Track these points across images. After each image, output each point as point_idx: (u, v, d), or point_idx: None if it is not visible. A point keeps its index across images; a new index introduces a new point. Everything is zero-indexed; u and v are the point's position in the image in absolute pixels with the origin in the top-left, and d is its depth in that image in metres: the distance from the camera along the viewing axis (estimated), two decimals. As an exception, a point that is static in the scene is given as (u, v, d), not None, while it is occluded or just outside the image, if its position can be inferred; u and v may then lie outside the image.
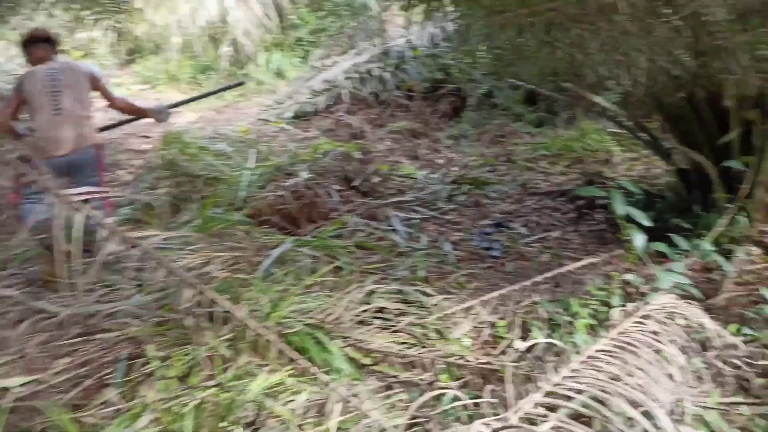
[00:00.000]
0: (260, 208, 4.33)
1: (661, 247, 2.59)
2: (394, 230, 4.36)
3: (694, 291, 2.50)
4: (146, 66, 14.01)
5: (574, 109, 6.01)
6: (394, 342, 2.62)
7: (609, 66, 2.68)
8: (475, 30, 3.28)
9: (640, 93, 2.97)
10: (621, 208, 2.49)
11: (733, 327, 2.35)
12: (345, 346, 2.52)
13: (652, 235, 3.83)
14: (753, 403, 2.08)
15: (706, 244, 2.78)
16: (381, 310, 2.88)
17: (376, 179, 5.35)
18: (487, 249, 3.99)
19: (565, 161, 5.85)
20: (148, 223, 4.59)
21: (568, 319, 2.49)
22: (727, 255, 3.10)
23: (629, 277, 2.63)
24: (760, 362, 2.18)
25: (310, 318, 2.62)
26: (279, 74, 13.08)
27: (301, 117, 7.92)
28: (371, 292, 3.02)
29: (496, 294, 2.93)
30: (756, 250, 3.12)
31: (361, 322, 2.76)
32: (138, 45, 14.44)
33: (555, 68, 2.96)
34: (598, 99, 3.80)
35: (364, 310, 2.81)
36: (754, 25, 2.69)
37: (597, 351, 1.87)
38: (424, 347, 2.55)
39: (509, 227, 4.39)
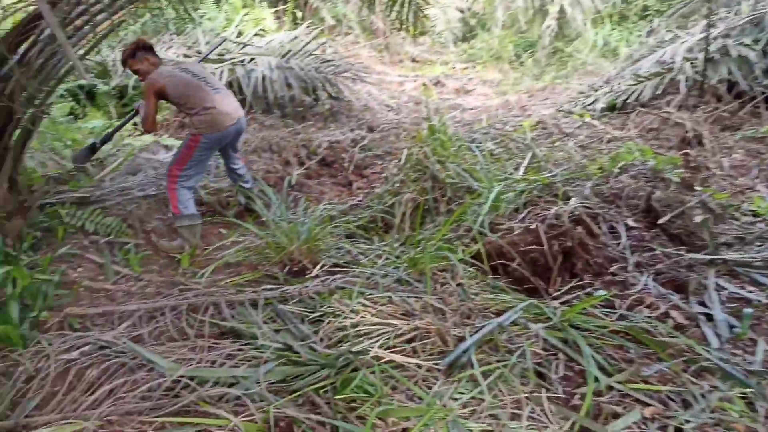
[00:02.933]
0: (500, 245, 3.23)
1: None
2: (707, 316, 2.76)
3: None
4: (473, 44, 13.89)
5: None
6: None
7: None
8: None
9: None
10: None
11: None
12: None
13: None
14: None
15: None
16: None
17: (698, 217, 3.63)
18: None
19: None
20: (368, 234, 4.00)
21: None
22: None
23: None
24: None
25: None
26: (611, 53, 11.35)
27: (616, 109, 6.35)
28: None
29: None
30: None
31: None
32: (479, 21, 14.45)
33: None
34: None
35: None
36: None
37: None
38: None
39: None
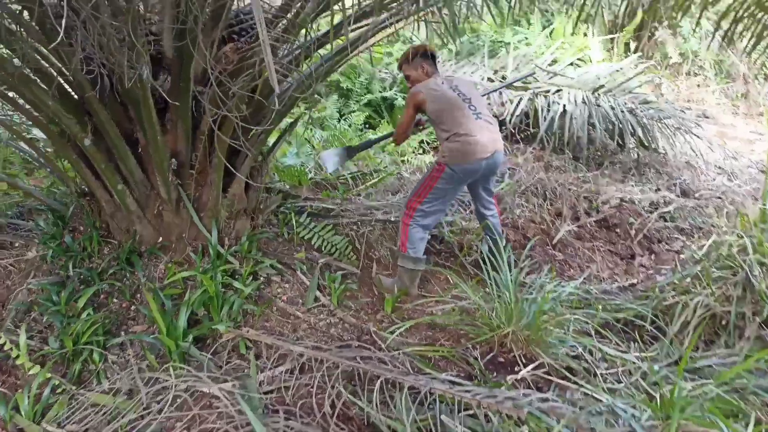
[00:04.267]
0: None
1: None
2: None
3: None
4: None
5: None
6: None
7: None
8: None
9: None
10: None
11: None
12: None
13: None
14: None
15: None
16: None
17: None
18: None
19: None
20: (625, 336, 2.98)
21: None
22: None
23: None
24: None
25: None
26: None
27: None
28: None
29: None
30: None
31: None
32: None
33: None
34: None
35: None
36: None
37: None
38: None
39: None
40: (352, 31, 2.87)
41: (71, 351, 2.38)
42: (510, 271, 3.09)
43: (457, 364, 2.61)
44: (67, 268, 2.84)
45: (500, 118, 6.17)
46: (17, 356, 2.22)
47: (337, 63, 3.29)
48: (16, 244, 3.11)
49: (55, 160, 3.12)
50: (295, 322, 2.92)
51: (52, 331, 2.56)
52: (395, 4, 2.88)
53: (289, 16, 2.40)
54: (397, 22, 3.02)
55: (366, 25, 2.95)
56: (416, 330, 2.95)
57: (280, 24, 2.46)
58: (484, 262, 3.19)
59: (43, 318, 2.63)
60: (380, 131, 6.39)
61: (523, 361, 2.62)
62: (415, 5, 2.71)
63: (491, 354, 2.67)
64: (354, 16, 3.04)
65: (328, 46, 3.01)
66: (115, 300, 2.83)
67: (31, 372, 2.21)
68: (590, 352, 2.83)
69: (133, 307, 2.79)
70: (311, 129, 6.17)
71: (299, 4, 2.35)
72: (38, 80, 2.49)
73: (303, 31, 2.61)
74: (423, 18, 3.11)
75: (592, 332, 3.01)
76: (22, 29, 2.10)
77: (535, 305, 2.80)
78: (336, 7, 2.35)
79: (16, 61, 2.33)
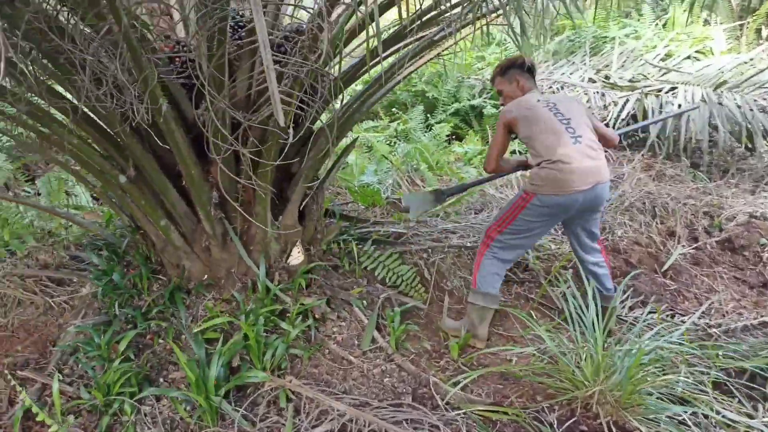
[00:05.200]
0: None
1: None
2: None
3: None
4: None
5: None
6: None
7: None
8: None
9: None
10: None
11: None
12: None
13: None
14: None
15: None
16: None
17: None
18: None
19: None
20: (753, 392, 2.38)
21: None
22: None
23: None
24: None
25: None
26: None
27: None
28: None
29: None
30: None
31: None
32: None
33: None
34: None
35: None
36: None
37: None
38: None
39: None
40: (390, 54, 2.55)
41: (102, 402, 2.26)
42: (600, 313, 2.60)
43: (527, 431, 2.19)
44: (113, 306, 2.76)
45: (603, 123, 5.56)
46: (37, 414, 2.12)
47: (378, 88, 3.00)
48: (74, 280, 3.10)
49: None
50: (347, 368, 2.63)
51: (90, 376, 2.47)
52: (447, 14, 2.54)
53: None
54: (457, 31, 2.65)
55: (410, 42, 2.63)
56: (484, 381, 2.55)
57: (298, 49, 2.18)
58: (565, 299, 2.71)
59: (84, 361, 2.55)
60: (468, 142, 5.98)
61: (613, 430, 2.15)
62: (471, 12, 2.34)
63: (572, 419, 2.22)
64: (388, 36, 2.74)
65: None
66: (160, 341, 2.70)
67: (51, 429, 2.10)
68: (704, 416, 2.30)
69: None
70: (393, 143, 5.90)
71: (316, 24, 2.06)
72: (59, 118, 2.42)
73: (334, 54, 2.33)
74: (489, 23, 2.71)
75: (708, 388, 2.46)
76: (30, 63, 2.01)
77: (629, 358, 2.31)
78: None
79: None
